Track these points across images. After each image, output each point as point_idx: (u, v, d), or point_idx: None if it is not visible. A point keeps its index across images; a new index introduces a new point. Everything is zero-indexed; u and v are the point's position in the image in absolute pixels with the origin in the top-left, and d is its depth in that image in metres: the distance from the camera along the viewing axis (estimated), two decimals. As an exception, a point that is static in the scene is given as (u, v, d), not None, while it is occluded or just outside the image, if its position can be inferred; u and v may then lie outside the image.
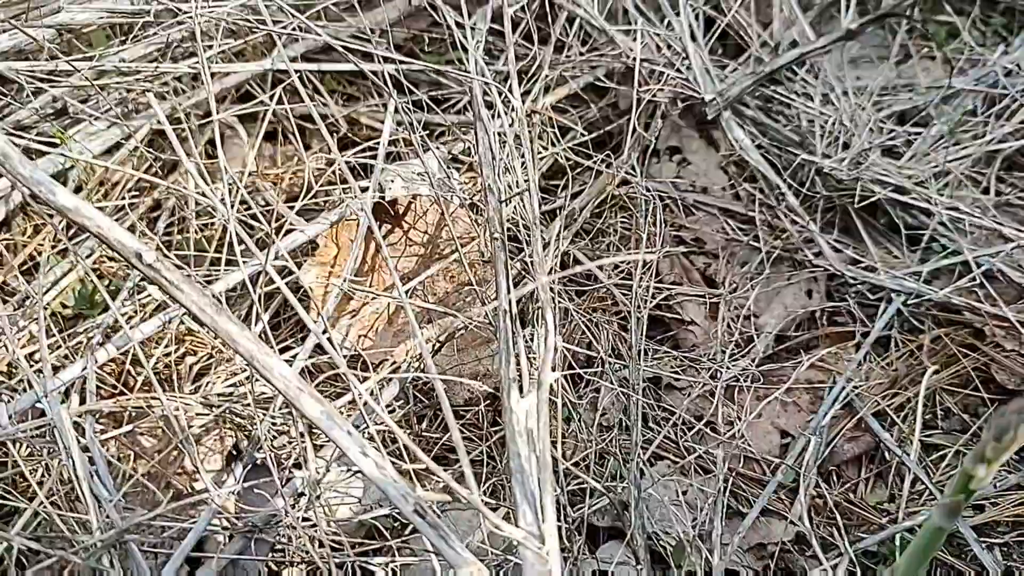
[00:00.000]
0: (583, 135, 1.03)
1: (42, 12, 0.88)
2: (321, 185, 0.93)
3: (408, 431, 0.85)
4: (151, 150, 0.99)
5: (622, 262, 0.98)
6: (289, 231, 0.85)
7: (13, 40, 0.87)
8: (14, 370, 0.79)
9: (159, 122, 0.91)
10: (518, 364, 0.72)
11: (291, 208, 0.92)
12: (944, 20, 1.27)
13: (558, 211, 1.02)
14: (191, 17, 0.79)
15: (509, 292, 0.75)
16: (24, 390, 0.74)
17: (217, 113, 0.95)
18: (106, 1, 0.92)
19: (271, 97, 0.93)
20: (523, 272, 0.91)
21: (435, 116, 1.04)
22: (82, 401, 0.74)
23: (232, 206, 0.72)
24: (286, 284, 0.69)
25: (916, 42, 1.25)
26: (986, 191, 1.05)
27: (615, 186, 1.03)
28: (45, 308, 0.80)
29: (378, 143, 0.96)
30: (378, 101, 1.13)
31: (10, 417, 0.69)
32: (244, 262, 0.77)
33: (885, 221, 1.03)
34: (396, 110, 0.89)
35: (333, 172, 0.91)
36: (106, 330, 0.79)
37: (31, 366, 0.75)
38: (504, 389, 0.70)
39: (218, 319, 0.64)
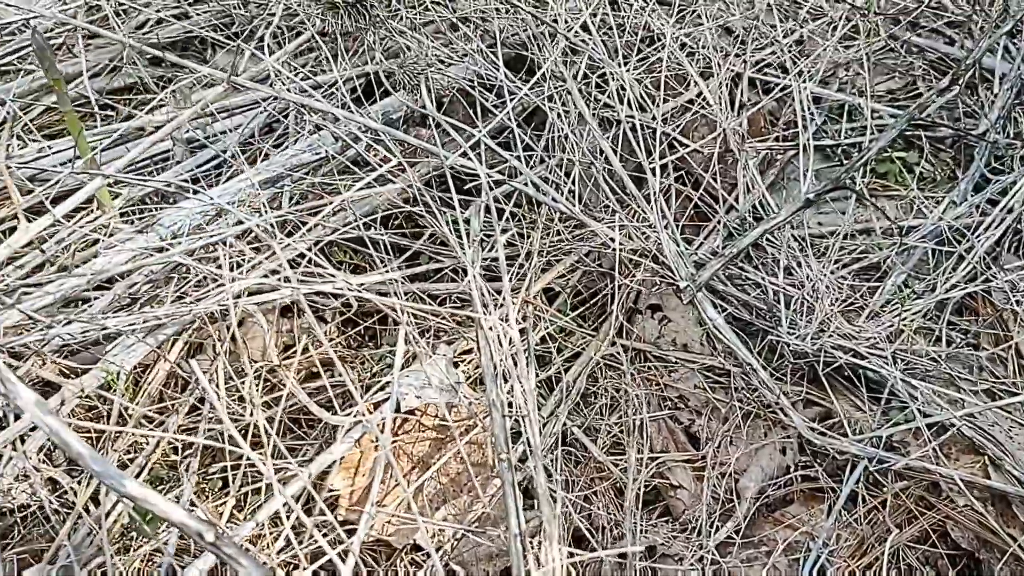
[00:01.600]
0: (565, 317, 1.14)
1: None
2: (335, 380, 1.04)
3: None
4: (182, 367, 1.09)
5: (614, 426, 1.10)
6: (320, 452, 0.95)
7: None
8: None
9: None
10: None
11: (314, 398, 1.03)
12: (898, 156, 1.39)
13: (554, 380, 1.13)
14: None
15: (518, 514, 0.86)
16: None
17: (236, 308, 1.06)
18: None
19: (286, 279, 1.04)
20: (524, 460, 1.02)
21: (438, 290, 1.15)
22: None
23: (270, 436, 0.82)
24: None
25: (871, 181, 1.37)
26: (938, 340, 1.16)
27: (602, 352, 1.14)
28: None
29: (385, 317, 1.08)
30: (384, 275, 1.23)
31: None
32: (279, 493, 0.88)
33: (848, 375, 1.14)
34: (407, 335, 1.00)
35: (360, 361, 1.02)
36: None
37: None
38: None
39: (272, 585, 0.75)
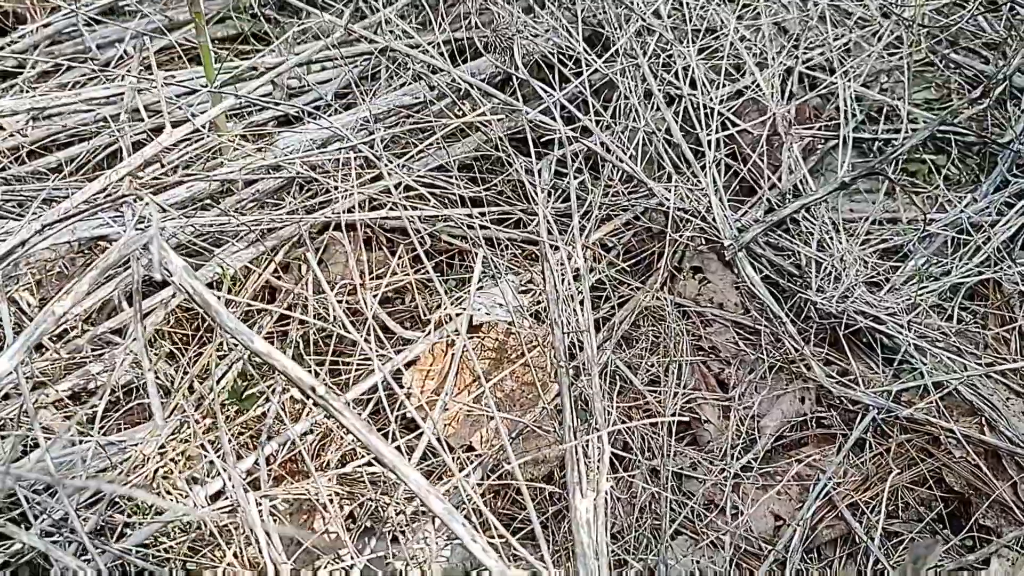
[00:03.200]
0: (619, 264, 1.28)
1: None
2: (410, 300, 1.18)
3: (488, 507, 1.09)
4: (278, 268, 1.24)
5: (653, 365, 1.24)
6: (400, 350, 1.10)
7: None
8: (185, 461, 1.04)
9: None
10: (579, 469, 0.96)
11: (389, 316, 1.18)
12: (928, 158, 1.52)
13: (602, 321, 1.27)
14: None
15: (573, 413, 1.00)
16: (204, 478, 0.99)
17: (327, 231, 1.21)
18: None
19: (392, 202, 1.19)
20: (576, 376, 1.16)
21: (507, 232, 1.29)
22: (256, 487, 0.99)
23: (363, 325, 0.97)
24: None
25: (902, 179, 1.50)
26: (950, 318, 1.29)
27: (647, 302, 1.28)
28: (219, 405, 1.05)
29: (454, 255, 1.22)
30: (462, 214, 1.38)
31: (205, 499, 0.94)
32: (378, 369, 1.03)
33: (867, 341, 1.28)
34: (484, 258, 1.14)
35: (429, 292, 1.17)
36: (270, 426, 1.04)
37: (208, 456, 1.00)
38: (570, 490, 0.95)
39: (370, 437, 0.89)
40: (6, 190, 1.26)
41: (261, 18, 1.64)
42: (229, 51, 1.65)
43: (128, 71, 1.42)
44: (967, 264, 1.32)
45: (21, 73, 1.54)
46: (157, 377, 1.11)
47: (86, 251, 1.13)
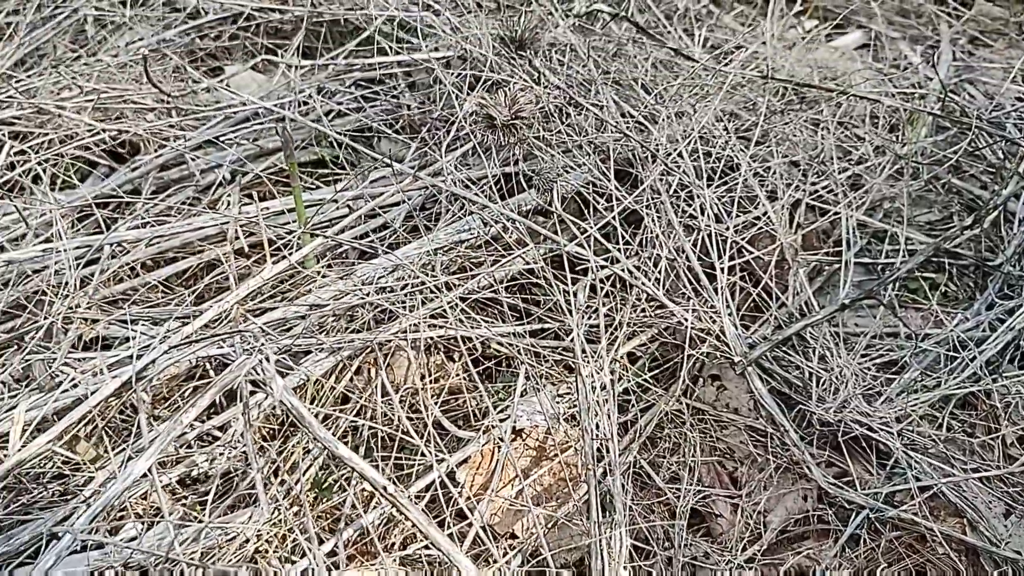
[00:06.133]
0: (643, 375, 1.48)
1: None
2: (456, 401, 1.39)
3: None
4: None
5: (673, 464, 1.42)
6: (455, 449, 1.31)
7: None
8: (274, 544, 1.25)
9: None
10: (602, 559, 1.15)
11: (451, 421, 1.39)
12: (928, 276, 1.70)
13: (629, 424, 1.46)
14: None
15: (598, 509, 1.19)
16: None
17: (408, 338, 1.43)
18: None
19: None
20: (604, 475, 1.35)
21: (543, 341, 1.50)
22: (336, 566, 1.19)
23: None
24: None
25: (903, 295, 1.68)
26: (940, 427, 1.45)
27: (669, 407, 1.47)
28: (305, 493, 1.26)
29: (501, 361, 1.43)
30: (509, 331, 1.59)
31: None
32: (436, 469, 1.23)
33: (863, 445, 1.44)
34: (527, 376, 1.35)
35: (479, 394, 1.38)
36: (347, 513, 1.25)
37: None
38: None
39: (429, 529, 1.09)
40: (131, 302, 1.51)
41: (338, 146, 1.90)
42: (311, 175, 1.91)
43: (229, 202, 1.69)
44: (957, 377, 1.49)
45: (139, 194, 1.81)
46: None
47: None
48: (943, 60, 2.08)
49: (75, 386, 1.22)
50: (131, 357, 1.24)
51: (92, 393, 1.19)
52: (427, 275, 1.45)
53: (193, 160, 1.88)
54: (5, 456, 1.17)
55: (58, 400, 1.21)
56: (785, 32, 2.18)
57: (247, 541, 1.18)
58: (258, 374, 1.14)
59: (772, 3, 2.16)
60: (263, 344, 1.13)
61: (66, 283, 1.49)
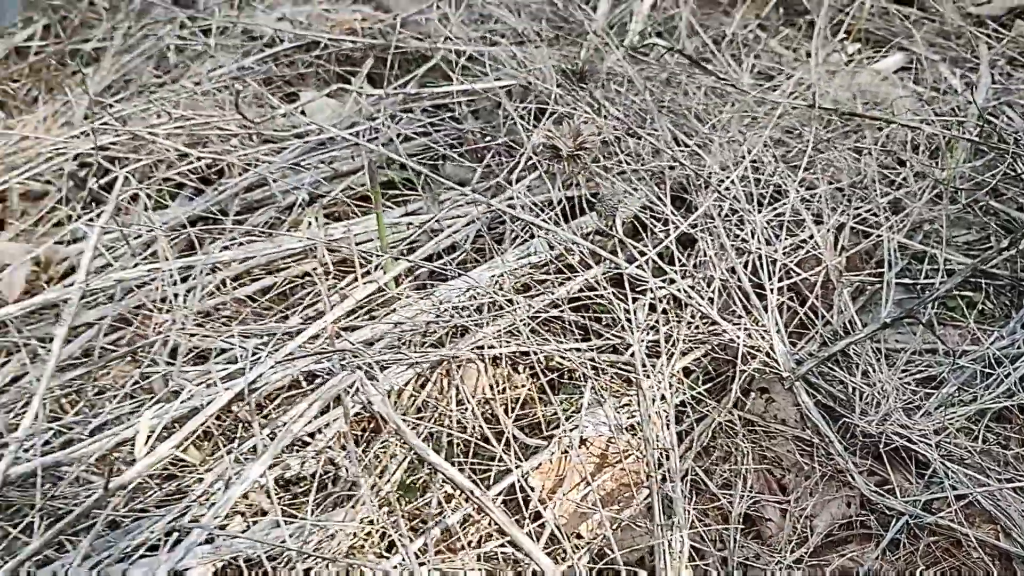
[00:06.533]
0: (697, 388, 1.60)
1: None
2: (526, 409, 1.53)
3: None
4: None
5: (726, 471, 1.54)
6: (529, 456, 1.44)
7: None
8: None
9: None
10: (665, 559, 1.27)
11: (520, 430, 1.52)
12: (966, 294, 1.80)
13: (684, 434, 1.59)
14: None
15: (660, 513, 1.32)
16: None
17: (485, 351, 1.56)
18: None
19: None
20: (663, 481, 1.47)
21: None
22: (423, 563, 1.33)
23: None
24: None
25: (942, 313, 1.78)
26: (976, 439, 1.56)
27: (721, 418, 1.59)
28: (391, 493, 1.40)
29: (563, 373, 1.57)
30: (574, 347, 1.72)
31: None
32: (515, 473, 1.37)
33: (902, 456, 1.55)
34: (592, 388, 1.48)
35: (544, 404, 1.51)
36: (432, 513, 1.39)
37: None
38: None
39: (512, 529, 1.22)
40: (238, 320, 1.66)
41: (409, 169, 2.03)
42: (383, 195, 2.05)
43: (311, 223, 1.83)
44: (992, 392, 1.59)
45: (226, 215, 1.96)
46: (344, 469, 1.47)
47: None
48: (982, 84, 2.17)
49: (191, 397, 1.37)
50: (240, 370, 1.39)
51: (208, 404, 1.33)
52: (498, 295, 1.58)
53: (275, 182, 2.03)
54: (133, 460, 1.32)
55: (177, 410, 1.36)
56: (829, 56, 2.28)
57: (347, 537, 1.32)
58: (356, 388, 1.28)
59: (817, 29, 2.26)
60: (361, 362, 1.27)
61: (169, 299, 1.64)
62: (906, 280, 1.76)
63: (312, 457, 1.51)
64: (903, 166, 1.87)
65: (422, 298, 1.54)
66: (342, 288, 1.68)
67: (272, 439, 1.30)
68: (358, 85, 2.16)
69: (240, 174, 2.03)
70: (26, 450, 1.38)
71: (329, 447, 1.48)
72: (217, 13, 2.34)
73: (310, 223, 1.89)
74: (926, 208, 1.82)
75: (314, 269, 1.61)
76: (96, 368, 1.55)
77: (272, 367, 1.37)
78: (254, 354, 1.39)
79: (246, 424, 1.44)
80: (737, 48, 2.26)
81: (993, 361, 1.63)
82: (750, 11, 2.43)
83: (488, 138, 1.98)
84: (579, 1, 2.17)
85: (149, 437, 1.34)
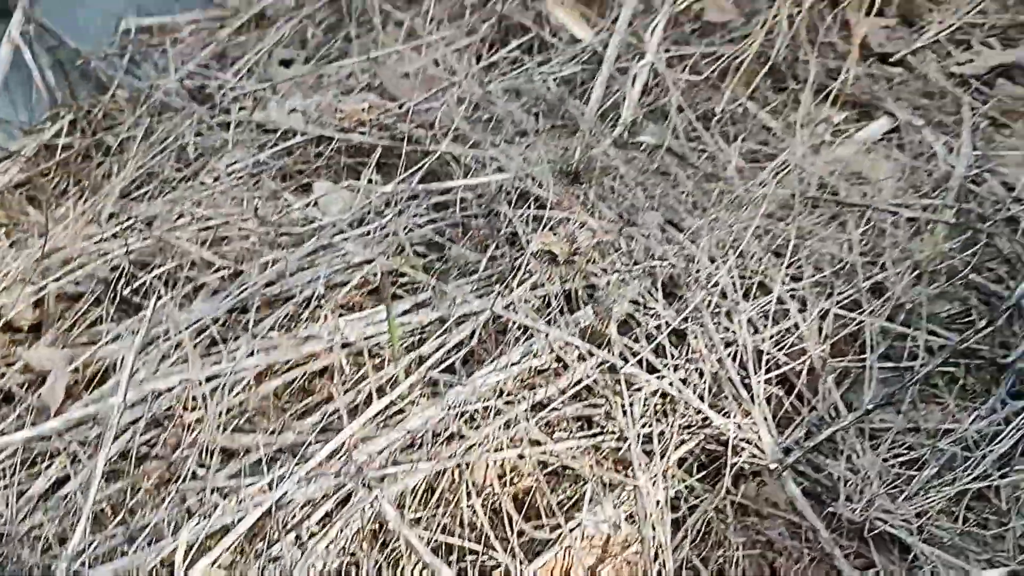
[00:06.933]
0: (690, 480, 1.71)
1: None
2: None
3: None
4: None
5: (719, 557, 1.66)
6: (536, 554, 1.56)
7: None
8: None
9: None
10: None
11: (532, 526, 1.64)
12: (948, 371, 1.89)
13: (682, 519, 1.70)
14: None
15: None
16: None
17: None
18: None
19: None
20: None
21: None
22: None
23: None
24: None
25: (925, 390, 1.88)
26: (956, 520, 1.66)
27: (715, 504, 1.70)
28: None
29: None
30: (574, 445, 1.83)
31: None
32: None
33: (886, 539, 1.65)
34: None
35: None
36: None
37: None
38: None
39: (518, 638, 1.34)
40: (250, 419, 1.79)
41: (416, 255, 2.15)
42: (392, 283, 2.18)
43: (326, 318, 1.96)
44: (971, 474, 1.69)
45: (247, 311, 2.09)
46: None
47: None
48: (963, 154, 2.27)
49: (223, 514, 1.50)
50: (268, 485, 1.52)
51: (239, 520, 1.46)
52: (501, 396, 1.70)
53: (291, 276, 2.16)
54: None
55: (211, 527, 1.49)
56: (815, 128, 2.38)
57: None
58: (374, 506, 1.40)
59: (803, 105, 2.36)
60: (378, 483, 1.40)
61: (200, 408, 1.77)
62: (888, 364, 1.86)
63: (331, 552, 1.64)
64: (885, 250, 1.97)
65: (431, 405, 1.66)
66: (359, 386, 1.80)
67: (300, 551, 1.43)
68: (367, 177, 2.29)
69: (260, 271, 2.16)
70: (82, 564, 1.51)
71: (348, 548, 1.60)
72: (234, 110, 2.47)
73: (325, 318, 2.01)
74: (907, 290, 1.92)
75: (331, 377, 1.73)
76: (139, 477, 1.68)
77: (297, 483, 1.50)
78: (281, 464, 1.52)
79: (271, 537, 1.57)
80: (727, 125, 2.36)
81: (972, 443, 1.73)
82: (739, 83, 2.53)
83: (491, 226, 2.09)
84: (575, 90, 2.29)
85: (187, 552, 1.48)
